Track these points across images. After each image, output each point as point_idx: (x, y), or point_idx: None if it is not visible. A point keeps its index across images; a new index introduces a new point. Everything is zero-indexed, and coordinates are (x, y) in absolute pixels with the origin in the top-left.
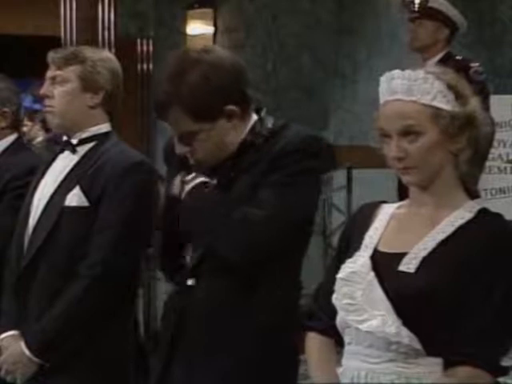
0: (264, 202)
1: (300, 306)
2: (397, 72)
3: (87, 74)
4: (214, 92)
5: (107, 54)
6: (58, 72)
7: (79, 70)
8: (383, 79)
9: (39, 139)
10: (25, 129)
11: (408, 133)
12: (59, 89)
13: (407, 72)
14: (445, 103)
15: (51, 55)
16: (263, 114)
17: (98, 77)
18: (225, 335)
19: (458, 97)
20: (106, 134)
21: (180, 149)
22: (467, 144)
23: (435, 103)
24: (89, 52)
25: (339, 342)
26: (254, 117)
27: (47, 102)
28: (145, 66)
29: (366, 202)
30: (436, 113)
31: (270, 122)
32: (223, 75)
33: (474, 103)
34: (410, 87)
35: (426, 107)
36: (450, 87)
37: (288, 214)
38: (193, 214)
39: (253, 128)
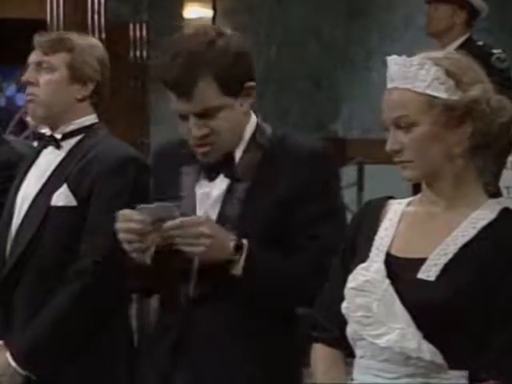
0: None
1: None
2: (394, 58)
3: (76, 64)
4: (242, 63)
5: (94, 41)
6: (45, 58)
7: (68, 58)
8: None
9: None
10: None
11: (402, 123)
12: (45, 76)
13: (403, 57)
14: (442, 91)
15: (37, 38)
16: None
17: (87, 67)
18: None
19: (459, 84)
20: (93, 126)
21: (197, 131)
22: (472, 136)
23: (429, 91)
24: (76, 38)
25: (347, 354)
26: (254, 116)
27: (30, 89)
28: (138, 53)
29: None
30: (430, 101)
31: (268, 128)
32: (245, 49)
33: (478, 91)
34: (405, 74)
35: (420, 95)
36: (450, 74)
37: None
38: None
39: (258, 126)
